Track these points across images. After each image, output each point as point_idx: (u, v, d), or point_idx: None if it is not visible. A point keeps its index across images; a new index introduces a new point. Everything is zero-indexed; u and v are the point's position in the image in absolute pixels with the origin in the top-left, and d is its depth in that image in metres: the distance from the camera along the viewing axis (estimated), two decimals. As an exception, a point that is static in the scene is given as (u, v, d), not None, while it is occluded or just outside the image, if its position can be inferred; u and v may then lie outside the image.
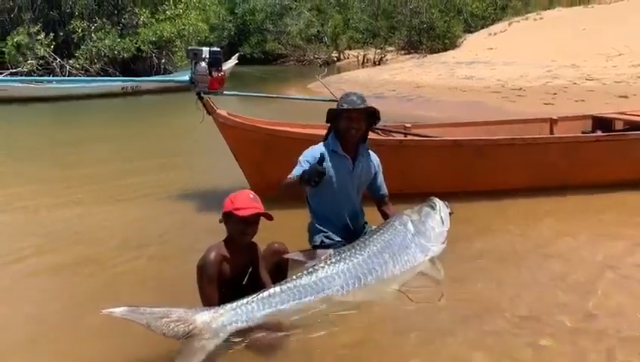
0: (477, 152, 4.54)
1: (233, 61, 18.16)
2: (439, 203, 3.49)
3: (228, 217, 2.55)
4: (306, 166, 3.07)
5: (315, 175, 2.84)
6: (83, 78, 16.46)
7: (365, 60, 30.11)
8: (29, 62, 16.97)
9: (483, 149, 4.55)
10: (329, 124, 3.32)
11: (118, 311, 2.23)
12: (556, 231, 3.96)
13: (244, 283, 2.64)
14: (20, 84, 13.45)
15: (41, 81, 12.15)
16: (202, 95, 4.22)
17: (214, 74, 4.08)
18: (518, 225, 4.11)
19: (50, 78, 15.98)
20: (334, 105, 3.31)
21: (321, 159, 2.95)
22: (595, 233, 3.99)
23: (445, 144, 4.59)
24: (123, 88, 15.00)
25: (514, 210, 4.41)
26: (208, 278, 2.48)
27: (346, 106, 3.16)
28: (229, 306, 2.42)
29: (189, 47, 4.18)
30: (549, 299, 2.90)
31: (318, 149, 3.21)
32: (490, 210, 4.37)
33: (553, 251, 3.57)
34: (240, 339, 2.39)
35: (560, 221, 4.24)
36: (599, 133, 5.22)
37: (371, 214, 3.52)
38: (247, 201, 2.54)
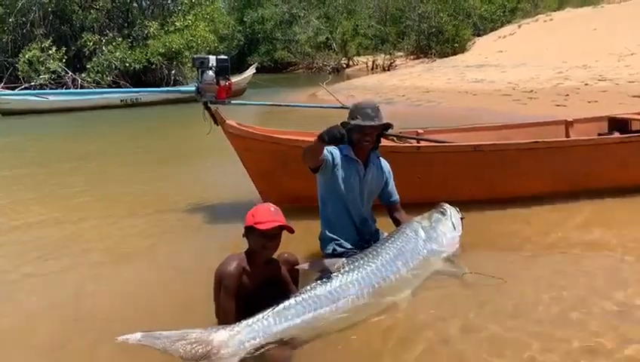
0: (498, 157, 4.43)
1: (252, 70, 18.21)
2: (449, 208, 3.48)
3: (249, 231, 2.52)
4: (329, 154, 3.06)
5: (335, 130, 2.74)
6: (83, 90, 16.48)
7: (374, 66, 30.16)
8: (41, 76, 17.17)
9: (504, 154, 4.44)
10: None
11: (134, 337, 2.22)
12: (587, 237, 3.82)
13: (262, 296, 2.59)
14: (21, 97, 14.06)
15: (44, 95, 12.47)
16: (209, 105, 4.14)
17: (222, 83, 3.97)
18: (543, 232, 3.95)
19: (51, 91, 16.14)
20: (343, 112, 3.28)
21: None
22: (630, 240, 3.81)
23: (465, 149, 4.45)
24: (122, 100, 15.00)
25: (538, 216, 4.26)
26: (227, 290, 2.43)
27: (359, 119, 3.12)
28: (244, 323, 2.38)
29: (195, 56, 4.07)
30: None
31: (333, 149, 3.16)
32: (513, 217, 4.25)
33: (586, 259, 3.45)
34: (258, 355, 2.35)
35: (590, 226, 4.09)
36: (617, 134, 5.10)
37: (383, 222, 3.47)
38: (267, 215, 2.51)
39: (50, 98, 13.86)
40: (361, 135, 3.14)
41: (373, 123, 3.12)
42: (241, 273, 2.47)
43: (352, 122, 3.15)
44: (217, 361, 2.24)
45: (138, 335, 2.22)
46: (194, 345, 2.23)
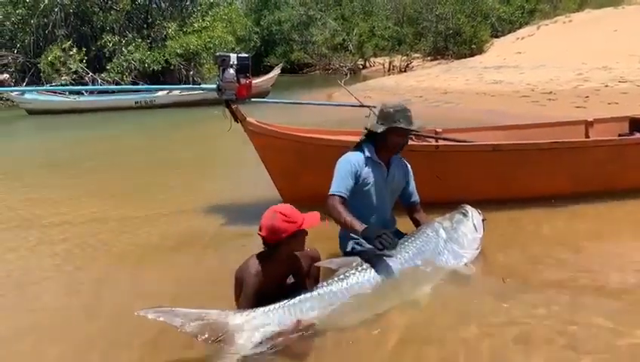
0: (518, 157, 4.40)
1: (277, 71, 18.30)
2: (471, 210, 3.44)
3: (294, 237, 2.54)
4: (349, 181, 3.09)
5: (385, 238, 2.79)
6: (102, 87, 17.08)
7: (391, 67, 30.07)
8: (63, 77, 17.45)
9: (524, 154, 4.41)
10: (365, 131, 3.29)
11: (152, 313, 2.28)
12: (609, 242, 3.78)
13: (281, 291, 2.63)
14: (43, 98, 14.91)
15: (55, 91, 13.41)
16: (230, 102, 4.15)
17: (242, 80, 3.98)
18: (563, 234, 3.93)
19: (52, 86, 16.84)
20: (363, 110, 3.29)
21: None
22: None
23: (484, 149, 4.42)
24: (136, 103, 15.27)
25: (557, 218, 4.22)
26: (246, 297, 2.48)
27: (402, 123, 3.11)
28: (260, 310, 2.42)
29: (217, 53, 4.10)
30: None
31: (354, 157, 3.17)
32: (532, 217, 4.21)
33: (605, 264, 3.40)
34: (271, 344, 2.38)
35: (613, 230, 4.04)
36: (638, 135, 5.04)
37: (403, 223, 3.47)
38: (299, 213, 2.58)
39: (70, 98, 14.99)
40: (401, 139, 3.19)
41: (417, 128, 3.22)
42: (261, 278, 2.49)
43: (396, 125, 3.12)
44: (230, 344, 2.28)
45: (157, 311, 2.28)
46: (210, 326, 2.29)
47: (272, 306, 2.45)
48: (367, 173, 3.17)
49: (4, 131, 12.66)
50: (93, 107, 15.03)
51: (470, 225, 3.34)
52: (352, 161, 3.15)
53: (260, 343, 2.35)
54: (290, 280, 2.77)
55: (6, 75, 16.88)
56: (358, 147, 3.27)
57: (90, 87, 17.55)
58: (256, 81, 16.04)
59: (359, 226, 2.89)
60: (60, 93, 15.21)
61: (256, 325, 2.37)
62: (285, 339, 2.41)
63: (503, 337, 2.50)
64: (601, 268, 3.30)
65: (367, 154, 3.20)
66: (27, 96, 14.89)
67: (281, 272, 2.60)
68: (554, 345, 2.43)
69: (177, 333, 2.30)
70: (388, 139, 3.17)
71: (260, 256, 2.57)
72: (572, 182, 4.51)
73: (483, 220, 3.45)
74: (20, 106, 15.29)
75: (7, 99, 16.61)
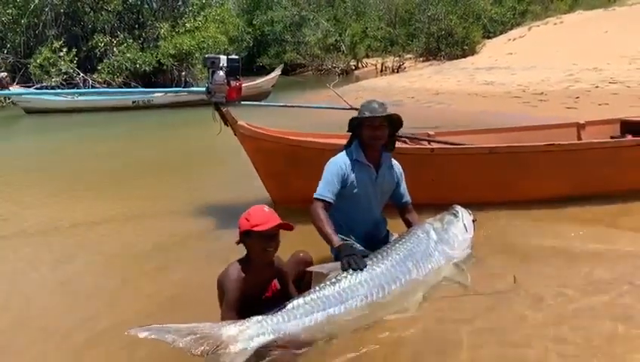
0: (513, 160, 4.39)
1: (278, 72, 18.24)
2: (461, 210, 3.46)
3: (247, 236, 2.46)
4: (335, 184, 3.07)
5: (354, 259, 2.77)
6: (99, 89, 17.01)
7: (384, 68, 30.01)
8: (54, 79, 17.34)
9: (520, 156, 4.41)
10: (350, 133, 3.27)
11: (143, 331, 2.21)
12: (601, 243, 3.75)
13: (267, 295, 2.60)
14: (41, 97, 14.96)
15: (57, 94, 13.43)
16: (220, 105, 4.11)
17: (232, 83, 3.94)
18: (556, 235, 3.91)
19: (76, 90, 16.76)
20: (353, 113, 3.27)
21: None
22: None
23: (481, 152, 4.41)
24: (134, 102, 15.18)
25: (550, 220, 4.22)
26: (228, 304, 2.42)
27: (367, 114, 3.10)
28: (254, 319, 2.38)
29: (207, 55, 4.04)
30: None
31: (342, 160, 3.16)
32: (527, 220, 4.21)
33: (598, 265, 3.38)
34: (266, 352, 2.35)
35: (606, 232, 4.03)
36: (629, 137, 5.05)
37: (394, 224, 3.46)
38: (264, 216, 2.45)
39: (68, 97, 14.83)
40: (371, 130, 3.11)
41: (381, 114, 3.09)
42: (242, 283, 2.44)
43: (358, 116, 3.14)
44: (226, 356, 2.23)
45: (147, 328, 2.22)
46: (203, 340, 2.23)
47: (264, 315, 2.41)
48: (354, 175, 3.15)
49: (3, 131, 12.72)
50: (91, 106, 15.01)
51: (461, 225, 3.36)
52: (340, 164, 3.13)
53: (256, 352, 2.31)
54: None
55: (4, 73, 16.71)
56: (346, 149, 3.25)
57: (95, 90, 17.36)
58: (257, 81, 16.12)
59: (335, 241, 2.89)
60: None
61: (250, 335, 2.32)
62: (280, 347, 2.38)
63: (492, 346, 2.49)
64: (599, 266, 3.29)
65: (355, 156, 3.18)
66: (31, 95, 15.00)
67: (261, 277, 2.55)
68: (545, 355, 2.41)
69: (169, 348, 2.22)
70: (362, 134, 3.16)
71: (240, 261, 2.52)
72: (567, 184, 4.51)
73: (473, 221, 3.46)
74: (19, 105, 15.33)
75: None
